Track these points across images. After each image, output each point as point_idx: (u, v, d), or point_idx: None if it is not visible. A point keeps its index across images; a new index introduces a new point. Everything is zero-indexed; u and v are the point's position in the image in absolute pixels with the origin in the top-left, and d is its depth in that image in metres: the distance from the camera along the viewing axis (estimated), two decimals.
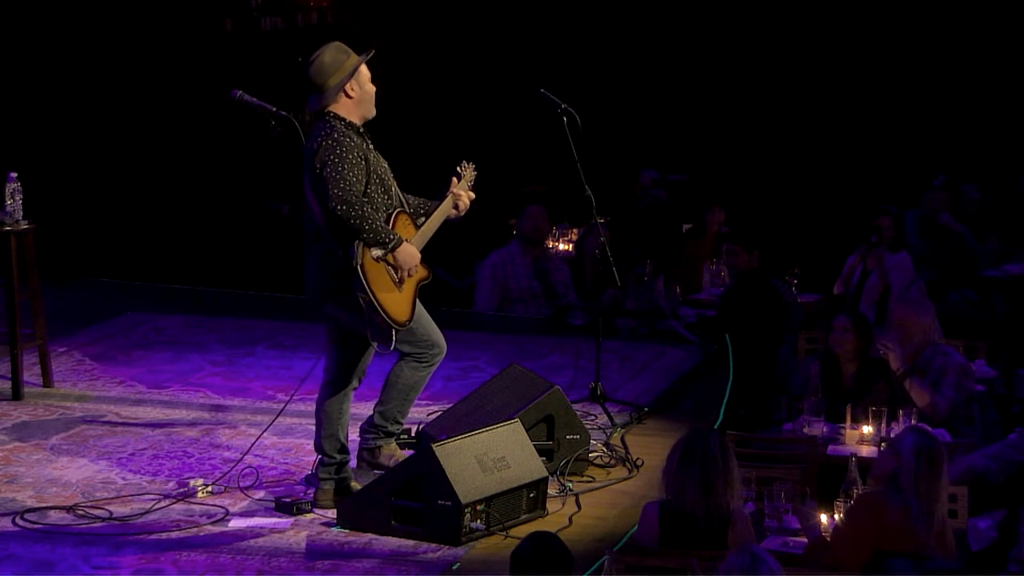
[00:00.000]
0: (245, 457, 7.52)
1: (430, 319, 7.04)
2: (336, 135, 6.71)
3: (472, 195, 7.23)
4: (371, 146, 6.85)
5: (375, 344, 6.86)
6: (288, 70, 12.07)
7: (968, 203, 12.15)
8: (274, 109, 6.99)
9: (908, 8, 14.29)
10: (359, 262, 6.63)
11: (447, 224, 7.22)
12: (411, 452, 7.20)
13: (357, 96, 6.84)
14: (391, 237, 6.72)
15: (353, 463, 7.22)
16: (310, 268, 6.89)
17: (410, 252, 6.82)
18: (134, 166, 12.80)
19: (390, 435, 7.13)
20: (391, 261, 6.75)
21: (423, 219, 7.08)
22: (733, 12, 14.56)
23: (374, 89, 6.90)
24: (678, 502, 5.88)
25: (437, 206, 7.13)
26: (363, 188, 6.71)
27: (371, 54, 6.90)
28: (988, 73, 14.12)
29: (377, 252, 6.70)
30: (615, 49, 14.64)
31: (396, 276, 6.78)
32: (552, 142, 8.36)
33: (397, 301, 6.78)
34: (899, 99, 14.19)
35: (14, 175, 8.58)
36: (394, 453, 7.13)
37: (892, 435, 6.91)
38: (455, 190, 7.18)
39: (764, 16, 14.49)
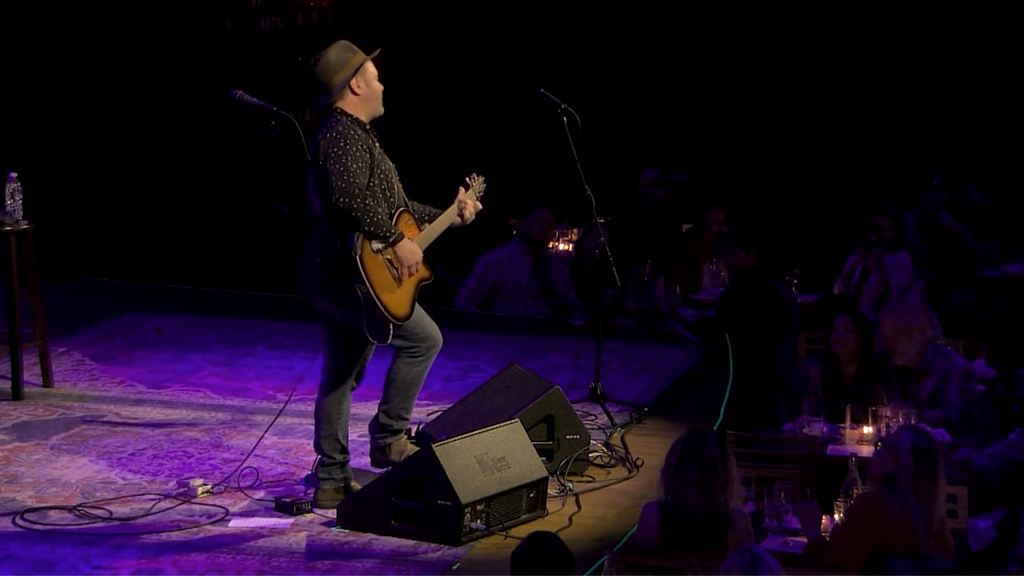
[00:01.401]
0: (245, 458, 7.53)
1: (423, 312, 7.00)
2: (341, 128, 6.71)
3: (479, 206, 7.24)
4: (377, 143, 6.85)
5: (374, 342, 6.85)
6: (288, 70, 12.11)
7: (968, 203, 12.15)
8: (274, 109, 7.00)
9: (908, 8, 14.30)
10: (358, 253, 6.62)
11: (449, 227, 7.22)
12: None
13: (363, 93, 6.84)
14: (392, 231, 6.71)
15: (357, 462, 7.21)
16: (304, 260, 6.86)
17: (411, 248, 6.81)
18: (134, 166, 12.80)
19: (397, 432, 7.12)
20: (391, 257, 6.75)
21: (426, 224, 7.07)
22: (733, 12, 14.56)
23: (381, 87, 6.90)
24: (678, 502, 5.87)
25: (440, 213, 7.13)
26: (366, 181, 6.70)
27: (377, 52, 6.91)
28: (988, 73, 14.12)
29: (378, 245, 6.69)
30: (615, 49, 14.64)
31: (396, 273, 6.77)
32: (552, 142, 8.36)
33: (396, 296, 6.76)
34: (899, 99, 14.19)
35: (14, 175, 8.58)
36: (404, 448, 7.11)
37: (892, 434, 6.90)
38: (462, 198, 7.19)
39: (764, 16, 14.49)
